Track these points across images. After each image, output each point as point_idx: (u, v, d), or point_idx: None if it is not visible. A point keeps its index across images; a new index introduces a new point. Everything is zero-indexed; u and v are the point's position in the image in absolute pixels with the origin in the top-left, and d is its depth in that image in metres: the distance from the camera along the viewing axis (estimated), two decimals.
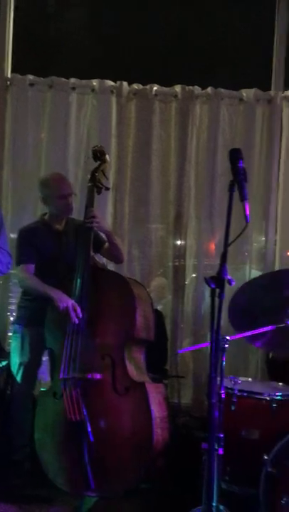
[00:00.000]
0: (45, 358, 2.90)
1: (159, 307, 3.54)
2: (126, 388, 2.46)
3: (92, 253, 2.71)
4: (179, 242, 3.62)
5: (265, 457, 2.17)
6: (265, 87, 3.56)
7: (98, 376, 2.48)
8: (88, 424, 2.42)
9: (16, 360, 2.82)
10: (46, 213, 2.87)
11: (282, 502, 1.92)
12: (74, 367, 2.50)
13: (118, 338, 2.54)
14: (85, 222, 2.68)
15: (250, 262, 3.53)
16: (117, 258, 2.93)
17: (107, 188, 2.86)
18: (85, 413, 2.43)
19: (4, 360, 3.11)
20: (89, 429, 2.41)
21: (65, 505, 2.55)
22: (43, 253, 2.75)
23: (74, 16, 3.88)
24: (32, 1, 3.78)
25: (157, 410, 2.43)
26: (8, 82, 3.47)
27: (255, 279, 3.04)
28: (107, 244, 2.84)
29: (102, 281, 2.64)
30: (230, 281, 1.79)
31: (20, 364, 2.80)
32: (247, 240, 3.46)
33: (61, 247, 2.77)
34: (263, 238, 3.55)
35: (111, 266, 3.13)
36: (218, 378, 2.06)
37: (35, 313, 2.68)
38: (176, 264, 3.62)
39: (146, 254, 3.55)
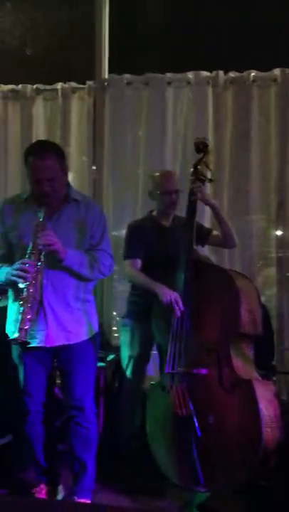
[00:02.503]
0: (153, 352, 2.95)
1: (262, 298, 3.43)
2: (232, 385, 2.40)
3: (195, 246, 2.69)
4: (282, 233, 3.47)
5: None
6: None
7: (204, 371, 2.46)
8: (195, 419, 2.40)
9: (125, 354, 2.89)
10: (153, 210, 2.90)
11: None
12: (180, 362, 2.50)
13: (223, 333, 2.49)
14: (190, 196, 2.65)
15: None
16: (228, 238, 2.79)
17: (211, 180, 2.82)
18: (191, 408, 2.42)
19: (111, 354, 3.21)
20: (196, 424, 2.40)
21: (176, 499, 2.57)
22: (150, 248, 2.78)
23: (160, 9, 3.84)
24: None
25: (266, 408, 2.34)
26: (106, 83, 3.55)
27: None
28: (214, 232, 2.83)
29: (205, 276, 2.60)
30: None
31: (130, 358, 2.86)
32: None
33: (167, 243, 2.78)
34: None
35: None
36: None
37: (145, 308, 2.71)
38: (280, 255, 3.49)
39: (248, 246, 3.45)
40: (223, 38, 3.75)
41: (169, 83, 3.44)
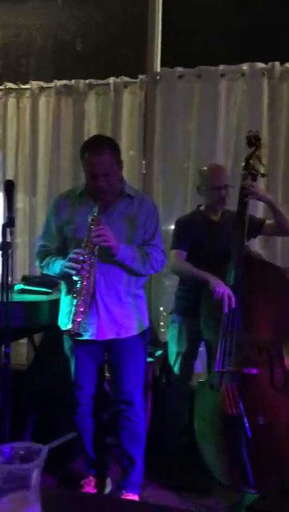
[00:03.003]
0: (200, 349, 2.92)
1: None
2: (284, 385, 2.35)
3: (247, 242, 2.63)
4: None
5: None
6: None
7: (255, 371, 2.41)
8: (245, 420, 2.36)
9: (173, 350, 2.88)
10: (202, 204, 2.85)
11: None
12: (230, 360, 2.46)
13: (275, 333, 2.43)
14: (241, 192, 2.58)
15: None
16: (284, 226, 2.65)
17: (263, 175, 2.74)
18: (241, 408, 2.37)
19: (159, 349, 3.21)
20: (246, 425, 2.35)
21: (223, 499, 2.53)
22: (198, 243, 2.74)
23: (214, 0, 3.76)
24: None
25: None
26: (158, 77, 3.53)
27: None
28: (267, 221, 2.75)
29: (257, 273, 2.55)
30: None
31: (178, 354, 2.85)
32: None
33: (216, 238, 2.74)
34: None
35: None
36: None
37: (193, 303, 2.68)
38: None
39: None
40: (279, 28, 3.64)
41: (223, 75, 3.37)
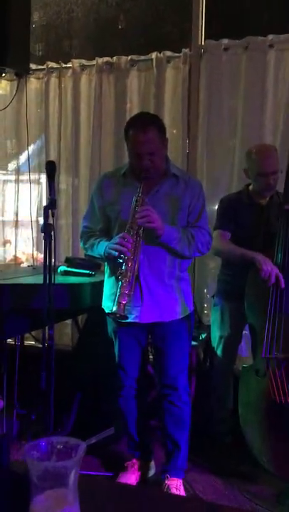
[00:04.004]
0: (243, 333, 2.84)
1: None
2: None
3: None
4: None
5: None
6: None
7: None
8: None
9: (216, 334, 2.81)
10: (251, 184, 2.72)
11: None
12: (277, 346, 2.38)
13: None
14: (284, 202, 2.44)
15: None
16: None
17: None
18: None
19: (203, 333, 3.15)
20: None
21: (268, 486, 2.48)
22: (241, 225, 2.64)
23: None
24: None
25: None
26: (202, 50, 3.38)
27: None
28: None
29: None
30: None
31: (221, 337, 2.79)
32: None
33: (261, 222, 2.61)
34: None
35: None
36: None
37: (235, 287, 2.60)
38: None
39: None
40: None
41: (271, 46, 3.18)
